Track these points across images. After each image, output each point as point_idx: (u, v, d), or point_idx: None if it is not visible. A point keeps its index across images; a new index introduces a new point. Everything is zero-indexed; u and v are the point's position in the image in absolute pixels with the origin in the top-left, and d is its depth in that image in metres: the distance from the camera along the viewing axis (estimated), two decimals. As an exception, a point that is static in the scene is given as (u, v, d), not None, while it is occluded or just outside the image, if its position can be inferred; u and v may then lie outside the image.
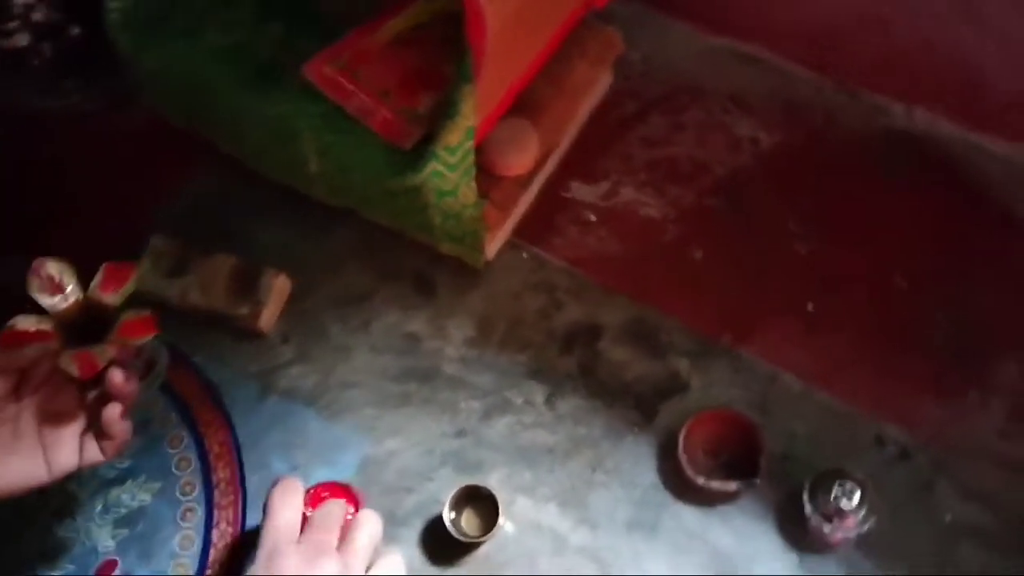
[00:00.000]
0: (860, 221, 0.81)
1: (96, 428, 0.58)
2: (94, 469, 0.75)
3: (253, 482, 0.74)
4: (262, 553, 0.58)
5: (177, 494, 0.75)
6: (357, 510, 0.70)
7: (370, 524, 0.61)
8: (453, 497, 0.68)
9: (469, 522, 0.70)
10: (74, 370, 0.53)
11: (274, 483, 0.62)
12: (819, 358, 0.75)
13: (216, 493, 0.74)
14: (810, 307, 0.77)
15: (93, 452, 0.59)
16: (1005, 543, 0.67)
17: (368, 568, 0.59)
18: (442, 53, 0.78)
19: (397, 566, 0.60)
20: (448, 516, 0.68)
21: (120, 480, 0.75)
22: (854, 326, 0.76)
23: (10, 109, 0.91)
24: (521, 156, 0.81)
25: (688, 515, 0.70)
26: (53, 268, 0.56)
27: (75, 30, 0.90)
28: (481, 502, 0.70)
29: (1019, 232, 0.79)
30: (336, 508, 0.63)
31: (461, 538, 0.67)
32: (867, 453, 0.71)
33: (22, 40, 0.89)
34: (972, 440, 0.71)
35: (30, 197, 0.88)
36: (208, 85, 0.80)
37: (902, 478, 0.70)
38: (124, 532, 0.73)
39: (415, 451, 0.75)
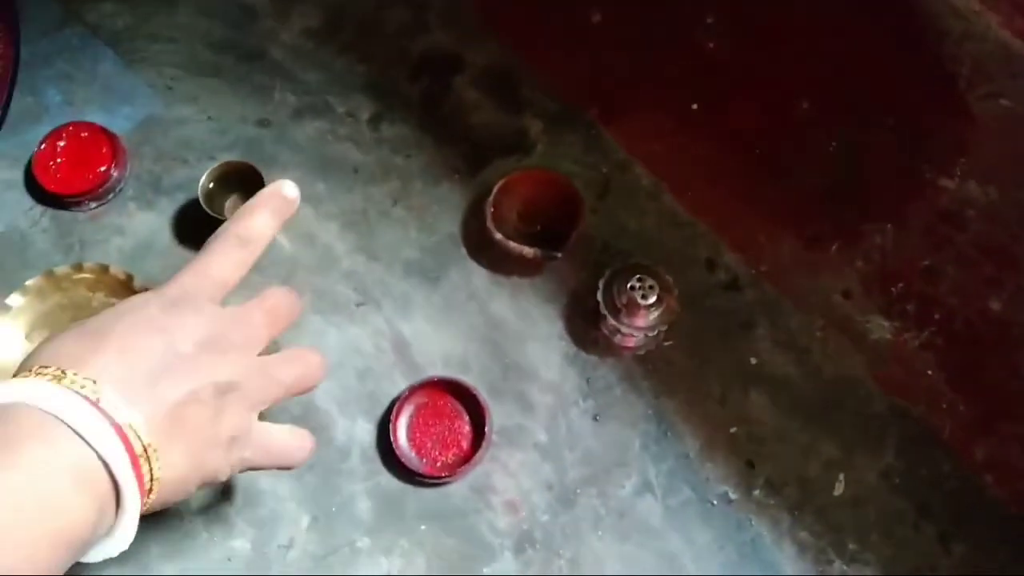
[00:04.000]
0: (784, 35, 0.70)
1: None
2: None
3: (18, 105, 0.65)
4: (171, 289, 0.42)
5: (-70, 92, 0.65)
6: (112, 162, 0.61)
7: (304, 366, 0.45)
8: (217, 169, 0.59)
9: (233, 208, 0.61)
10: None
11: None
12: (683, 161, 0.65)
13: (-26, 104, 0.65)
14: (694, 106, 0.67)
15: None
16: (798, 403, 0.59)
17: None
18: None
19: (300, 443, 0.45)
20: (205, 186, 0.59)
21: None
22: (734, 138, 0.66)
23: None
24: None
25: (477, 276, 0.62)
26: None
27: None
28: (250, 190, 0.60)
29: (953, 100, 0.68)
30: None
31: (210, 212, 0.58)
32: (694, 271, 0.62)
33: None
34: (813, 292, 0.62)
35: None
36: None
37: (721, 307, 0.62)
38: None
39: (207, 126, 0.65)
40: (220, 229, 0.44)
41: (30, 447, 0.32)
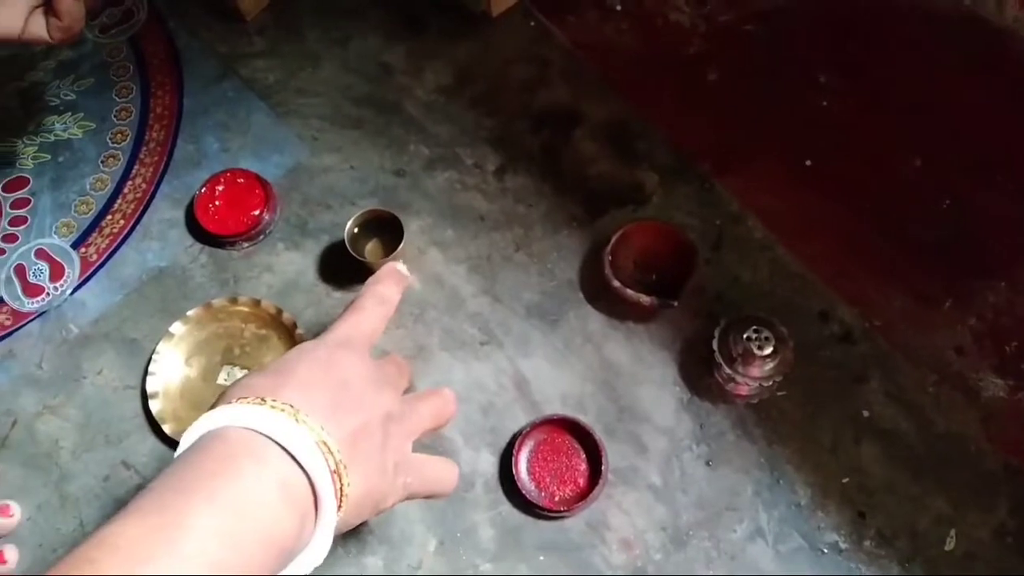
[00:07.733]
0: (899, 92, 0.71)
1: (48, 3, 0.56)
2: (40, 91, 0.74)
3: (181, 151, 0.72)
4: (333, 337, 0.46)
5: (107, 139, 0.72)
6: (264, 206, 0.67)
7: (441, 401, 0.49)
8: (362, 215, 0.64)
9: (373, 251, 0.66)
10: None
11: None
12: (796, 214, 0.67)
13: (144, 150, 0.72)
14: (808, 162, 0.69)
15: (38, 27, 0.57)
16: (909, 457, 0.60)
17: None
18: None
19: (449, 472, 0.49)
20: (350, 231, 0.64)
21: (60, 110, 0.73)
22: (847, 193, 0.68)
23: None
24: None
25: (594, 320, 0.65)
26: None
27: None
28: (389, 235, 0.65)
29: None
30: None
31: (354, 254, 0.63)
32: (808, 323, 0.64)
33: None
34: (926, 348, 0.63)
35: None
36: None
37: (834, 360, 0.63)
38: (45, 157, 0.72)
39: (349, 174, 0.71)
40: (362, 291, 0.50)
41: (243, 463, 0.36)
